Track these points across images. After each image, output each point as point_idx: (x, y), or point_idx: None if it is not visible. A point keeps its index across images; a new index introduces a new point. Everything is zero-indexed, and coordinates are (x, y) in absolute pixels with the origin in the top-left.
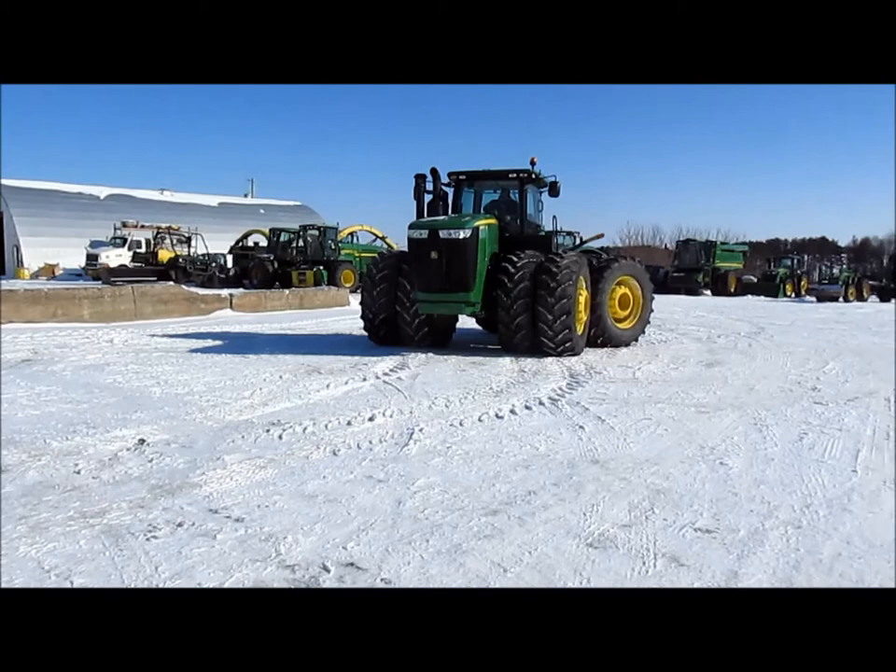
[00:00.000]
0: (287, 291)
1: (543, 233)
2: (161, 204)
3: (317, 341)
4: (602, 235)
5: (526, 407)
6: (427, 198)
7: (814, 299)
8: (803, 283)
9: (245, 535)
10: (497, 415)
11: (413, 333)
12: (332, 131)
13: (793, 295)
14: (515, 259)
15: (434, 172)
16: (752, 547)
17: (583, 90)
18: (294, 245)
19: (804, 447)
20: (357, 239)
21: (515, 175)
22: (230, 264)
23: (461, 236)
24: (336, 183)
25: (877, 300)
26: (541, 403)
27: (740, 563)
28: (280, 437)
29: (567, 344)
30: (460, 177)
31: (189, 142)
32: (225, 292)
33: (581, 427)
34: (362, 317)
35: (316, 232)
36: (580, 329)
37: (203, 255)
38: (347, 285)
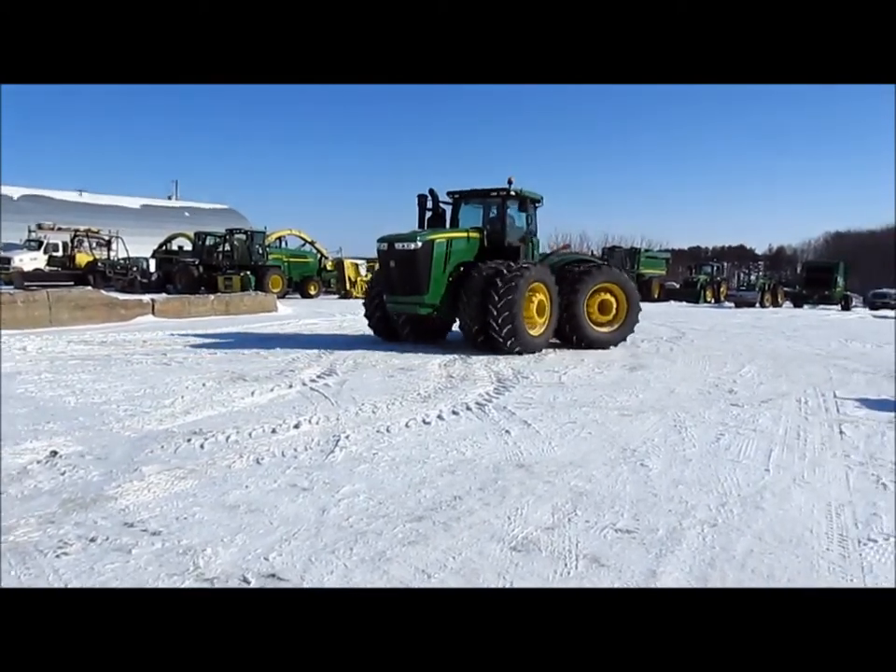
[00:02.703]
0: (212, 297)
1: (515, 244)
2: (80, 206)
3: (243, 346)
4: (568, 245)
5: (454, 412)
6: (428, 215)
7: (732, 304)
8: (722, 289)
9: (162, 549)
10: (424, 421)
11: (400, 330)
12: (261, 132)
13: (713, 301)
14: (475, 267)
15: (432, 192)
16: (670, 546)
17: (514, 95)
18: (220, 249)
19: (720, 448)
20: (286, 244)
21: (496, 193)
22: (152, 269)
23: (412, 248)
24: (265, 186)
25: (791, 305)
26: (468, 408)
27: (658, 562)
28: (202, 446)
29: (511, 341)
30: (455, 196)
31: (110, 141)
32: (147, 297)
33: (507, 431)
34: (365, 315)
35: (244, 236)
36: (536, 331)
37: (124, 259)
38: (275, 290)
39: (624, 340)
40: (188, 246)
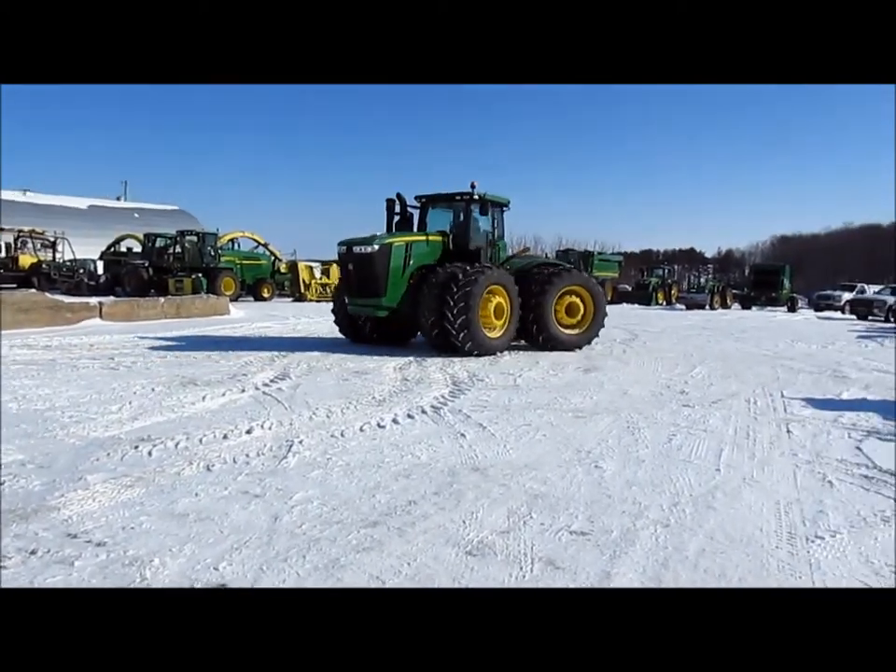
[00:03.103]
0: (162, 300)
1: (478, 248)
2: (24, 206)
3: (194, 350)
4: (528, 249)
5: (409, 416)
6: (396, 218)
7: (683, 306)
8: (673, 291)
9: (107, 560)
10: (378, 425)
11: (365, 332)
12: (214, 131)
13: (665, 303)
14: (434, 270)
15: (399, 196)
16: (624, 547)
17: (466, 95)
18: (171, 251)
19: (672, 448)
20: (239, 246)
21: (460, 197)
22: (100, 271)
23: (370, 251)
24: (217, 187)
25: (740, 307)
26: (424, 412)
27: (613, 563)
28: (150, 453)
29: (468, 343)
30: (422, 200)
31: (56, 139)
32: (94, 300)
33: (462, 434)
34: (333, 312)
35: (195, 238)
36: (494, 333)
37: (70, 261)
38: (228, 293)
39: (590, 342)
40: (137, 248)
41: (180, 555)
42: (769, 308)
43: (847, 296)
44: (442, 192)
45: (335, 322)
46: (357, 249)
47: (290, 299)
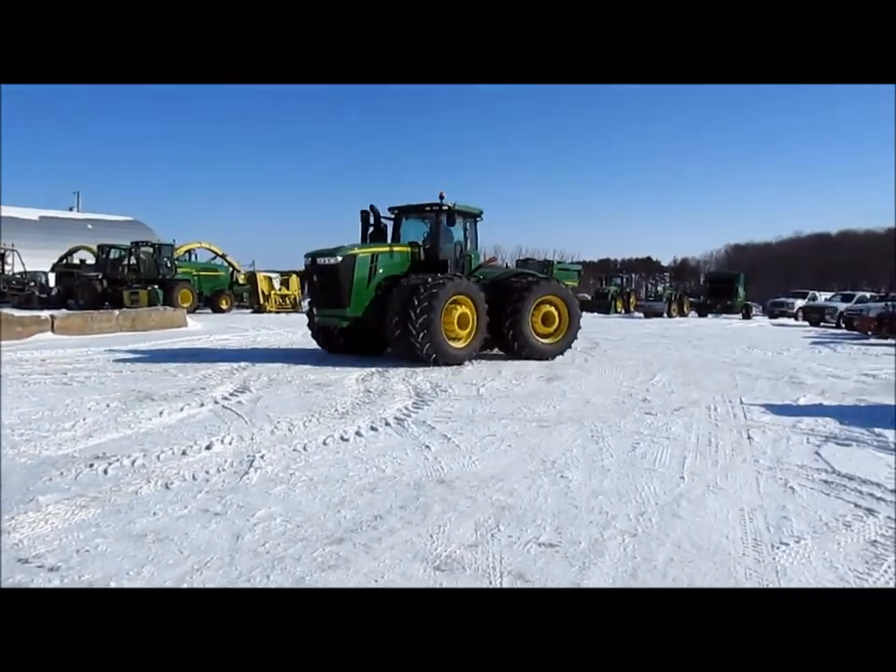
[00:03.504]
0: (116, 312)
1: (444, 258)
2: None
3: (150, 363)
4: (495, 259)
5: (372, 428)
6: (370, 230)
7: (642, 315)
8: (632, 300)
9: (61, 586)
10: (342, 438)
11: (337, 342)
12: (170, 140)
13: (623, 311)
14: (400, 281)
15: (373, 208)
16: (593, 558)
17: (424, 97)
18: (126, 262)
19: (636, 456)
20: (196, 257)
21: (429, 208)
22: (52, 283)
23: (332, 262)
24: (173, 197)
25: (696, 315)
26: (387, 424)
27: (582, 575)
28: (105, 471)
29: (433, 355)
30: (396, 211)
31: (5, 147)
32: (46, 314)
33: (427, 446)
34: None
35: (150, 249)
36: (459, 343)
37: (21, 273)
38: (185, 305)
39: (562, 353)
40: (90, 260)
41: (138, 578)
42: (724, 315)
43: (799, 303)
44: (414, 203)
45: (310, 330)
46: (321, 261)
47: (249, 310)
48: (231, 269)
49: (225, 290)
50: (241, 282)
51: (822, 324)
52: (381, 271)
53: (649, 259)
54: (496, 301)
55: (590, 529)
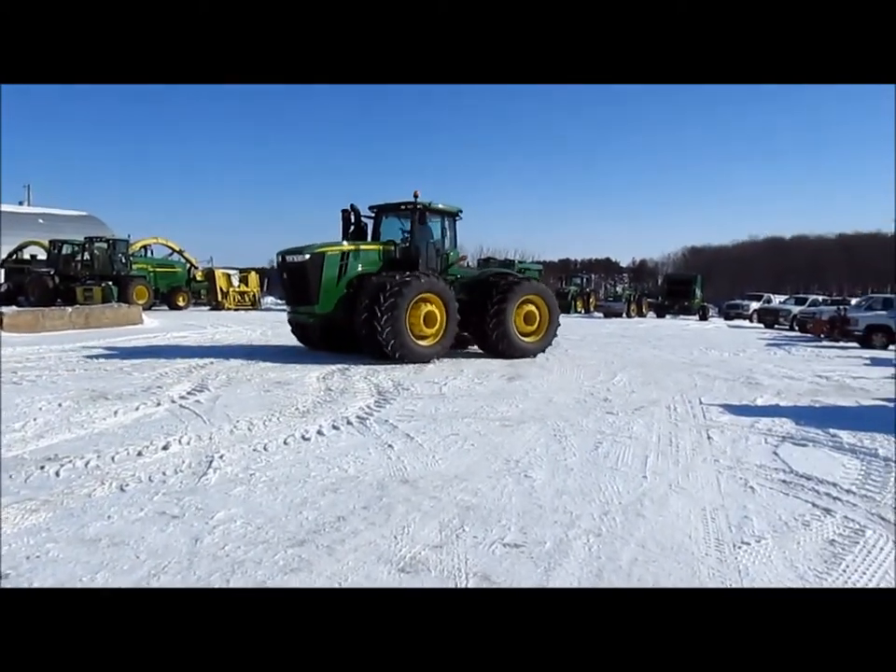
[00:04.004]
0: (69, 309)
1: (415, 257)
2: None
3: (104, 362)
4: (465, 258)
5: (334, 427)
6: (351, 228)
7: (602, 315)
8: (591, 300)
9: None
10: (303, 437)
11: (316, 338)
12: (125, 132)
13: (583, 311)
14: (369, 279)
15: (353, 207)
16: (558, 559)
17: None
18: (79, 258)
19: (599, 456)
20: (152, 253)
21: (404, 206)
22: (1, 279)
23: (300, 260)
24: (128, 192)
25: (654, 315)
26: (349, 423)
27: (548, 576)
28: (57, 473)
29: (398, 352)
30: (375, 210)
31: None
32: None
33: (389, 445)
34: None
35: (105, 245)
36: (426, 341)
37: None
38: (140, 302)
39: (543, 351)
40: (42, 255)
41: (92, 585)
42: (682, 316)
43: (754, 305)
44: (390, 202)
45: (291, 330)
46: (290, 259)
47: (207, 307)
48: (188, 265)
49: (182, 287)
50: (198, 279)
51: (776, 326)
52: (353, 269)
53: (608, 259)
54: (475, 300)
55: (554, 529)
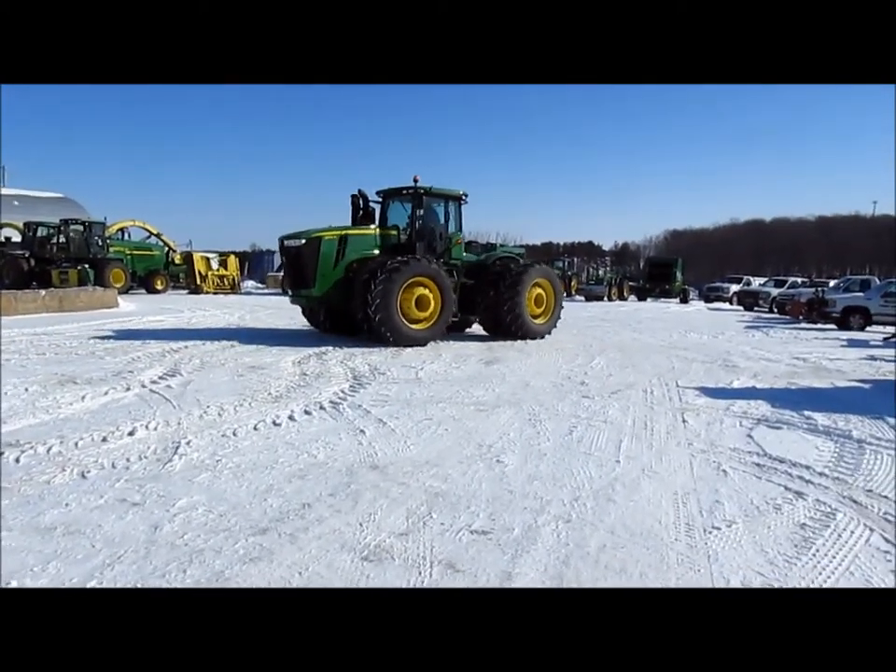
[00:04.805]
0: (43, 292)
1: (415, 241)
2: None
3: (76, 345)
4: (460, 241)
5: (306, 412)
6: (360, 213)
7: (583, 298)
8: (573, 283)
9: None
10: (274, 423)
11: (320, 321)
12: (102, 113)
13: (565, 294)
14: (366, 262)
15: (361, 192)
16: (526, 546)
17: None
18: (55, 240)
19: (573, 440)
20: (129, 236)
21: (405, 191)
22: None
23: (297, 244)
24: (105, 174)
25: (636, 298)
26: (322, 408)
27: (514, 563)
28: (17, 460)
29: (389, 335)
30: (381, 195)
31: None
32: None
33: (361, 431)
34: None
35: (81, 227)
36: (419, 325)
37: None
38: (117, 285)
39: (550, 332)
40: (16, 238)
41: (43, 575)
42: (663, 299)
43: (734, 288)
44: (396, 187)
45: (302, 313)
46: (288, 243)
47: (186, 291)
48: (166, 248)
49: (160, 270)
50: (177, 262)
51: (756, 308)
52: (351, 253)
53: (591, 243)
54: (480, 285)
55: (524, 515)
